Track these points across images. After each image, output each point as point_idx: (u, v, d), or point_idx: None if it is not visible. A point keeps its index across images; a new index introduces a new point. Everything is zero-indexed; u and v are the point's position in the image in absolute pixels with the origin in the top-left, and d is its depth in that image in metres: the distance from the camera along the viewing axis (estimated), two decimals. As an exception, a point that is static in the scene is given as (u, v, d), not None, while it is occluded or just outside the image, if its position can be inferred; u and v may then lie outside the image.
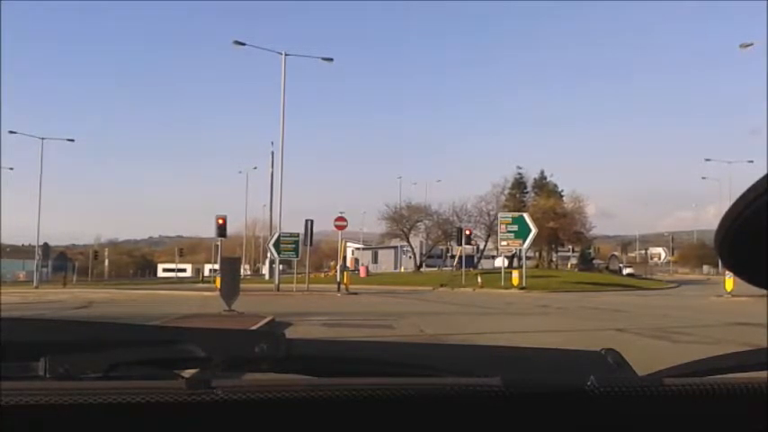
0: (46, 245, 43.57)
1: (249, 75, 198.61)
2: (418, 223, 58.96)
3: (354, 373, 0.97)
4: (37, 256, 41.49)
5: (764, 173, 0.65)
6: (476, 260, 53.70)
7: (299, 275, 31.90)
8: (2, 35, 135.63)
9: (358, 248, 77.98)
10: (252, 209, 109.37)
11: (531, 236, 35.06)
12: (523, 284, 32.62)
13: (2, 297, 18.63)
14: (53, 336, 1.05)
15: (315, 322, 13.34)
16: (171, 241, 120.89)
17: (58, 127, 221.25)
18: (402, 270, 63.59)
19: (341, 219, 32.28)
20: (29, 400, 0.80)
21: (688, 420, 0.95)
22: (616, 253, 79.94)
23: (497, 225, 37.46)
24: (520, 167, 59.21)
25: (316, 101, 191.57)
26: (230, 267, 16.81)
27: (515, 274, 34.20)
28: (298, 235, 30.00)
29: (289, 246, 29.73)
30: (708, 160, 58.40)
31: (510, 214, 38.16)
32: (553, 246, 57.64)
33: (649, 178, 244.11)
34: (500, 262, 44.10)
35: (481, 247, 56.13)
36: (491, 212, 52.17)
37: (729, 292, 25.84)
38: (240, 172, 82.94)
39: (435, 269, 56.24)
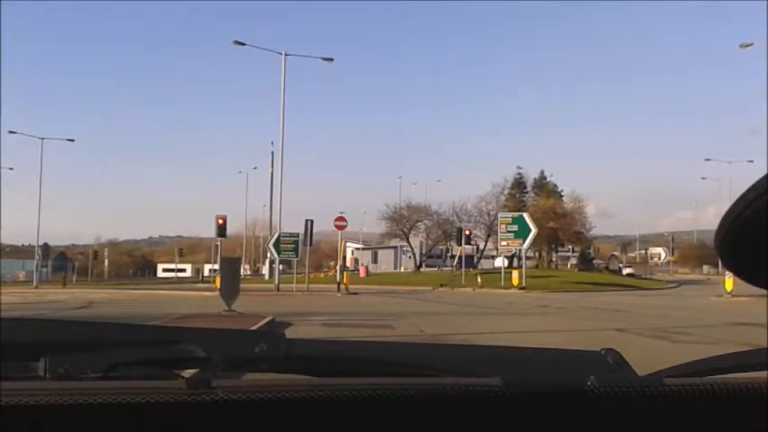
0: (46, 245, 43.57)
1: (249, 75, 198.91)
2: (418, 223, 58.96)
3: (354, 373, 0.97)
4: (37, 256, 41.49)
5: (764, 173, 0.65)
6: (476, 260, 53.68)
7: (299, 275, 31.89)
8: (2, 35, 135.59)
9: (358, 248, 77.99)
10: (252, 209, 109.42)
11: (530, 236, 35.06)
12: (523, 284, 32.63)
13: (2, 297, 18.62)
14: (53, 336, 1.05)
15: (315, 322, 13.34)
16: (171, 241, 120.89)
17: (58, 127, 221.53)
18: (402, 270, 63.58)
19: (341, 219, 32.29)
20: (29, 400, 0.80)
21: (688, 420, 0.95)
22: (616, 253, 79.95)
23: (497, 225, 37.47)
24: (520, 167, 59.29)
25: (316, 101, 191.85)
26: (230, 267, 16.81)
27: (515, 274, 34.20)
28: (298, 235, 30.00)
29: (289, 246, 29.73)
30: (708, 160, 58.50)
31: (510, 214, 38.17)
32: (553, 246, 57.63)
33: (649, 178, 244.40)
34: (500, 262, 44.09)
35: (481, 247, 56.12)
36: (491, 212, 52.17)
37: (729, 292, 25.85)
38: (240, 172, 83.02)
39: (435, 269, 56.22)
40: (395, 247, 68.85)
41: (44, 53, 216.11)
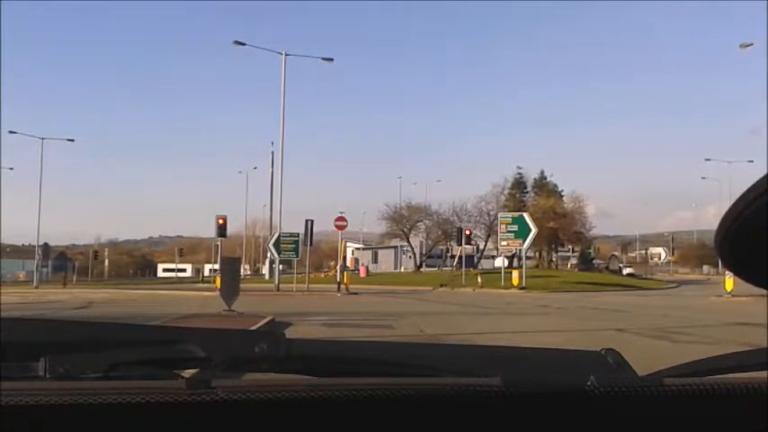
0: (46, 245, 43.57)
1: (249, 75, 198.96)
2: (418, 223, 58.98)
3: (354, 373, 0.97)
4: (37, 256, 41.49)
5: (764, 173, 0.65)
6: (476, 260, 53.70)
7: (299, 275, 31.89)
8: (2, 35, 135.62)
9: (358, 248, 78.00)
10: (252, 209, 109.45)
11: (531, 236, 35.06)
12: (523, 284, 32.63)
13: (2, 297, 18.63)
14: (53, 336, 1.05)
15: (315, 322, 13.34)
16: (171, 241, 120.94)
17: (58, 127, 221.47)
18: (402, 270, 63.59)
19: (341, 219, 32.29)
20: (29, 400, 0.80)
21: (688, 420, 0.95)
22: (616, 253, 79.96)
23: (497, 225, 37.47)
24: (520, 167, 59.32)
25: (316, 101, 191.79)
26: (230, 267, 16.81)
27: (515, 274, 34.21)
28: (298, 235, 30.00)
29: (289, 246, 29.73)
30: (708, 160, 58.50)
31: (510, 214, 38.17)
32: (553, 246, 57.64)
33: (649, 178, 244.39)
34: (500, 262, 44.09)
35: (481, 247, 56.13)
36: (491, 212, 52.19)
37: (729, 292, 25.85)
38: (240, 172, 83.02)
39: (435, 269, 56.24)
40: (395, 247, 68.87)
41: (44, 53, 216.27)
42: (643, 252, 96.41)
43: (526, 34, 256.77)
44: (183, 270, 77.63)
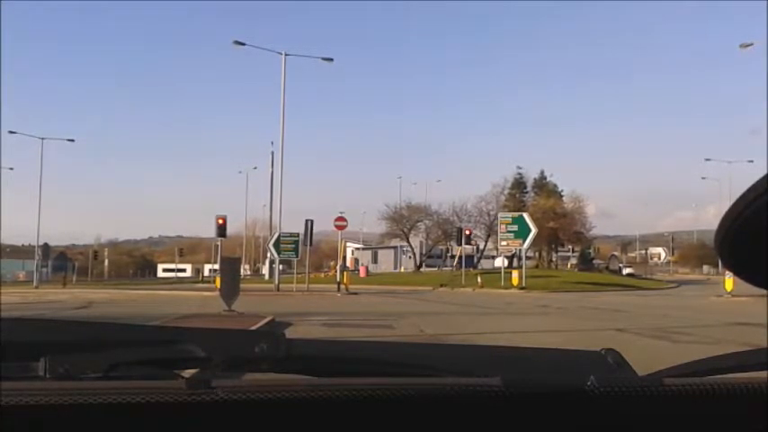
0: (46, 245, 43.57)
1: (249, 75, 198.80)
2: (418, 223, 58.97)
3: (354, 373, 0.97)
4: (37, 256, 41.49)
5: (764, 173, 0.65)
6: (476, 260, 53.69)
7: (299, 275, 31.89)
8: (2, 35, 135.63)
9: (358, 248, 78.00)
10: (252, 209, 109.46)
11: (530, 236, 35.06)
12: (523, 284, 32.62)
13: (2, 297, 18.63)
14: (53, 336, 1.05)
15: (315, 322, 13.34)
16: (171, 241, 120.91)
17: (58, 127, 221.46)
18: (402, 270, 63.59)
19: (341, 219, 32.29)
20: (29, 400, 0.80)
21: (688, 420, 0.95)
22: (616, 253, 79.98)
23: (497, 225, 37.47)
24: (520, 167, 59.31)
25: (316, 101, 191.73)
26: (230, 267, 16.81)
27: (515, 274, 34.20)
28: (298, 235, 30.00)
29: (289, 246, 29.73)
30: (708, 160, 58.48)
31: (510, 214, 38.16)
32: (553, 246, 57.63)
33: (649, 178, 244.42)
34: (500, 262, 44.09)
35: (481, 247, 56.13)
36: (491, 212, 52.18)
37: (729, 292, 25.85)
38: (240, 172, 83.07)
39: (435, 269, 56.22)
40: (395, 247, 68.86)
41: (44, 53, 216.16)
42: (643, 252, 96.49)
43: (526, 34, 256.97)
44: (183, 270, 77.61)
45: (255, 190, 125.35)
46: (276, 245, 29.77)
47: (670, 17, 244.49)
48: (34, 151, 42.82)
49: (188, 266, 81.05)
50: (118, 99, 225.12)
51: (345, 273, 31.10)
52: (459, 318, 15.97)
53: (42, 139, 42.53)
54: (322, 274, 55.56)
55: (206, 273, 54.43)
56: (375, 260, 72.26)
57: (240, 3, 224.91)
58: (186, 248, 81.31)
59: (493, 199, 54.87)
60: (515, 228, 35.37)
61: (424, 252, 61.23)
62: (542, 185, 58.11)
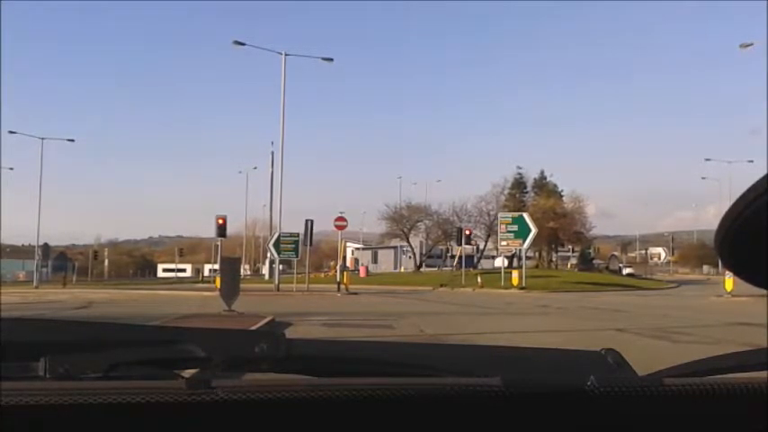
0: (46, 245, 43.56)
1: (249, 75, 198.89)
2: (418, 223, 58.98)
3: (354, 373, 0.97)
4: (37, 256, 41.48)
5: (764, 173, 0.65)
6: (476, 260, 53.70)
7: (299, 275, 31.89)
8: (2, 35, 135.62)
9: (358, 248, 77.99)
10: (252, 209, 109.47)
11: (531, 236, 35.05)
12: (523, 284, 32.63)
13: (2, 297, 18.63)
14: (53, 336, 1.05)
15: (315, 322, 13.35)
16: (171, 241, 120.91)
17: (58, 127, 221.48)
18: (402, 270, 63.59)
19: (341, 219, 32.29)
20: (29, 400, 0.80)
21: (688, 420, 0.95)
22: (616, 253, 79.96)
23: (497, 225, 37.46)
24: (520, 167, 59.32)
25: (316, 101, 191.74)
26: (230, 267, 16.81)
27: (515, 274, 34.20)
28: (298, 235, 30.00)
29: (289, 246, 29.73)
30: (708, 160, 58.46)
31: (510, 214, 38.16)
32: (553, 246, 57.63)
33: (649, 178, 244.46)
34: (500, 262, 44.09)
35: (481, 247, 56.13)
36: (491, 212, 52.19)
37: (729, 292, 25.85)
38: (240, 172, 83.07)
39: (435, 269, 56.22)
40: (395, 247, 68.85)
41: (44, 53, 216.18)
42: (643, 252, 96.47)
43: (526, 34, 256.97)
44: (183, 270, 77.60)
45: (255, 190, 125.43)
46: (276, 245, 29.77)
47: (670, 17, 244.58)
48: (34, 151, 42.89)
49: (188, 266, 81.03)
50: (118, 99, 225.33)
51: (345, 273, 31.10)
52: (459, 318, 15.97)
53: (42, 139, 42.59)
54: (322, 275, 55.56)
55: (206, 273, 54.42)
56: (375, 260, 72.25)
57: (240, 3, 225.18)
58: (186, 248, 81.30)
59: (493, 199, 54.96)
60: (515, 228, 35.37)
61: (424, 252, 61.23)
62: (542, 185, 58.11)
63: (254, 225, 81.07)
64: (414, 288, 35.11)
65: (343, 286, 28.67)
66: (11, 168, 52.26)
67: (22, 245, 65.01)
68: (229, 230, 40.14)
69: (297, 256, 30.73)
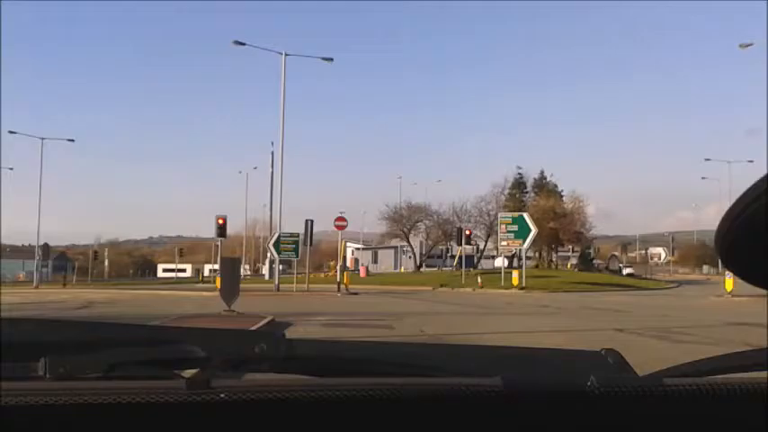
0: (46, 245, 43.53)
1: (249, 75, 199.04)
2: (418, 223, 58.98)
3: (354, 373, 0.97)
4: (37, 256, 41.46)
5: (764, 173, 0.65)
6: (476, 260, 53.69)
7: (299, 275, 31.88)
8: (2, 35, 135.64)
9: (358, 248, 77.95)
10: (252, 209, 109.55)
11: (531, 236, 35.03)
12: (523, 284, 32.61)
13: (2, 297, 18.63)
14: (53, 336, 1.05)
15: (315, 322, 13.34)
16: (171, 241, 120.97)
17: (58, 127, 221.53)
18: (402, 270, 63.56)
19: (341, 219, 32.26)
20: (29, 400, 0.80)
21: (688, 420, 0.95)
22: (616, 253, 79.84)
23: (497, 225, 37.43)
24: (520, 167, 59.31)
25: (316, 101, 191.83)
26: (230, 267, 16.80)
27: (515, 274, 34.18)
28: (298, 235, 29.99)
29: (289, 246, 29.72)
30: (708, 160, 58.29)
31: (510, 214, 38.12)
32: (553, 246, 57.60)
33: (649, 178, 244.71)
34: (500, 262, 44.04)
35: (481, 247, 56.11)
36: (491, 212, 52.16)
37: (729, 292, 25.84)
38: (240, 172, 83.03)
39: (435, 269, 56.22)
40: (395, 247, 68.83)
41: (44, 53, 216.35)
42: (643, 252, 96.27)
43: (526, 34, 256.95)
44: (183, 270, 77.57)
45: (255, 190, 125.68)
46: (276, 245, 29.76)
47: (670, 17, 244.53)
48: (34, 151, 42.87)
49: (188, 266, 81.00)
50: (118, 99, 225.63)
51: (345, 273, 31.09)
52: (459, 318, 15.97)
53: (42, 139, 42.55)
54: (322, 275, 55.54)
55: (206, 273, 54.38)
56: (375, 260, 72.23)
57: (240, 3, 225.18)
58: (186, 248, 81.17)
59: (493, 199, 54.94)
60: (515, 228, 35.34)
61: (424, 252, 61.22)
62: (542, 185, 58.10)
63: (254, 225, 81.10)
64: (414, 288, 35.09)
65: (343, 286, 28.65)
66: (11, 168, 52.36)
67: (22, 245, 65.05)
68: (229, 230, 40.19)
69: (297, 256, 30.72)
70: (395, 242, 66.16)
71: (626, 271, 62.77)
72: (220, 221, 31.43)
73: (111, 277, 65.73)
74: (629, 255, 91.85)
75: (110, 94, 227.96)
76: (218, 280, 19.53)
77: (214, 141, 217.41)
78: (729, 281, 25.67)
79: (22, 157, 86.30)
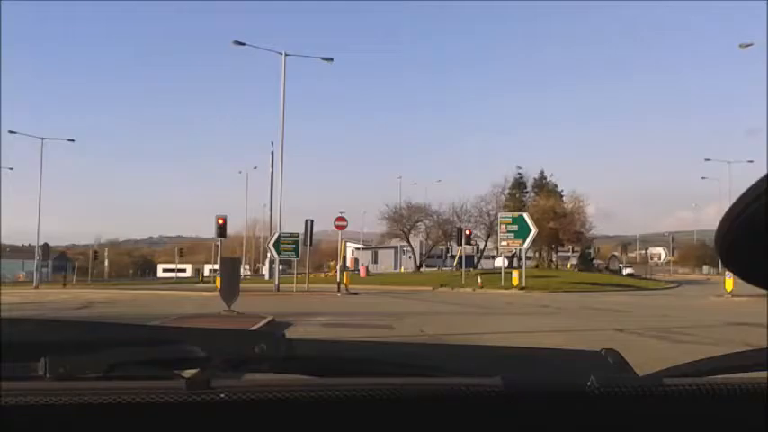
0: (46, 245, 43.52)
1: (249, 75, 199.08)
2: (418, 223, 58.97)
3: (354, 373, 0.97)
4: (37, 256, 41.45)
5: (764, 173, 0.65)
6: (476, 260, 53.68)
7: (299, 275, 31.87)
8: (2, 35, 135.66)
9: (358, 248, 77.94)
10: (252, 209, 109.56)
11: (531, 236, 35.02)
12: (523, 284, 32.60)
13: (2, 297, 18.63)
14: (53, 336, 1.05)
15: (315, 322, 13.34)
16: (171, 241, 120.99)
17: (58, 127, 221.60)
18: (402, 270, 63.55)
19: (341, 219, 32.26)
20: (29, 400, 0.80)
21: (688, 420, 0.95)
22: (616, 253, 79.83)
23: (497, 225, 37.42)
24: (520, 167, 59.29)
25: (316, 101, 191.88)
26: (230, 267, 16.79)
27: (515, 274, 34.17)
28: (298, 235, 29.98)
29: (289, 246, 29.72)
30: (708, 160, 58.29)
31: (510, 214, 38.10)
32: (553, 246, 57.58)
33: (649, 178, 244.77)
34: (500, 262, 44.01)
35: (481, 247, 56.11)
36: (491, 212, 52.16)
37: (729, 292, 25.84)
38: (240, 172, 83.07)
39: (435, 269, 56.22)
40: (395, 247, 68.82)
41: (44, 53, 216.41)
42: (643, 252, 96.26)
43: (526, 34, 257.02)
44: (183, 270, 77.56)
45: (255, 190, 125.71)
46: (276, 245, 29.75)
47: (670, 17, 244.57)
48: (34, 151, 42.86)
49: (188, 266, 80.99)
50: (118, 99, 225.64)
51: (345, 273, 31.08)
52: (459, 318, 15.97)
53: (42, 139, 42.54)
54: (322, 275, 55.53)
55: (206, 273, 54.38)
56: (375, 260, 72.22)
57: (240, 3, 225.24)
58: (186, 248, 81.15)
59: (493, 199, 54.94)
60: (515, 228, 35.33)
61: (424, 252, 61.21)
62: (542, 185, 58.09)
63: (254, 225, 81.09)
64: (414, 288, 35.09)
65: (343, 286, 28.65)
66: (11, 168, 52.34)
67: (22, 245, 65.04)
68: (229, 230, 40.19)
69: (297, 256, 30.72)
70: (395, 242, 66.16)
71: (626, 271, 62.75)
72: (220, 221, 31.43)
73: (111, 277, 65.73)
74: (629, 255, 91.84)
75: (110, 94, 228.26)
76: (218, 280, 19.52)
77: (214, 141, 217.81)
78: (729, 281, 25.67)
79: (22, 157, 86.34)
